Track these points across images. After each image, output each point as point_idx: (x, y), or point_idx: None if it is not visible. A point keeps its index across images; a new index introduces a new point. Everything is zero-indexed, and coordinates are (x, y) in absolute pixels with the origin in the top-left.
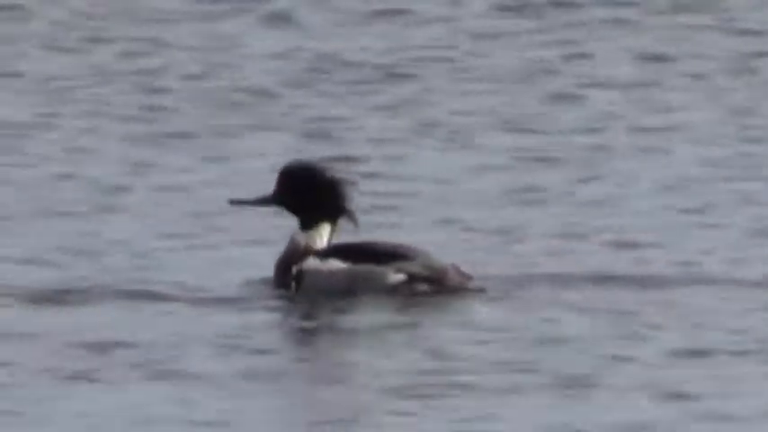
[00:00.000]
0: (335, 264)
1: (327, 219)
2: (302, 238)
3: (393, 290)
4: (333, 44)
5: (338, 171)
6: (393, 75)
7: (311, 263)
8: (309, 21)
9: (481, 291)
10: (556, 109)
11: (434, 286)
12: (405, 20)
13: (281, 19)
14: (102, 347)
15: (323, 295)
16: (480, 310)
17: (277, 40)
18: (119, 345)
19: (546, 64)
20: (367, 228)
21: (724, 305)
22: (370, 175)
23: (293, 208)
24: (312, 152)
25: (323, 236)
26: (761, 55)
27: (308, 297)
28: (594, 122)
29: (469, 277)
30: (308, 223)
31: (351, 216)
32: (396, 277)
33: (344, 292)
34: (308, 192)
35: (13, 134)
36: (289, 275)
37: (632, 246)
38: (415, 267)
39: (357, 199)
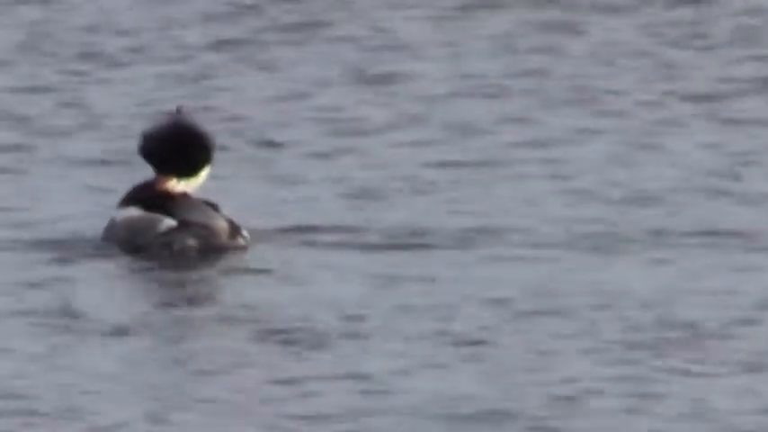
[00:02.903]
0: (131, 212)
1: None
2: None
3: (166, 240)
4: None
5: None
6: None
7: (119, 212)
8: None
9: (244, 248)
10: None
11: (200, 241)
12: None
13: None
14: None
15: (121, 245)
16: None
17: None
18: None
19: None
20: None
21: None
22: None
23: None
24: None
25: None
26: None
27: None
28: None
29: (240, 234)
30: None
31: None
32: (167, 223)
33: (126, 242)
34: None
35: None
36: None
37: None
38: (187, 216)
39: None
